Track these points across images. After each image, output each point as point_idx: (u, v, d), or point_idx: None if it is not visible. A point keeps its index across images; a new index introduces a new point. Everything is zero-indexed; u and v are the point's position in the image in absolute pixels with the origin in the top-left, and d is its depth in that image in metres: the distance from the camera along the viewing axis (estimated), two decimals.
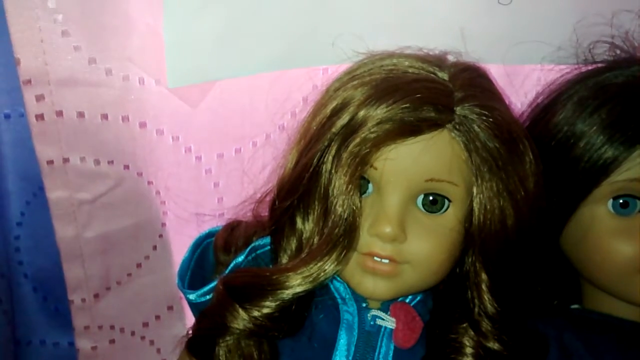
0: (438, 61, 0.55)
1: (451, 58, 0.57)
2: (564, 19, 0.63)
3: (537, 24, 0.64)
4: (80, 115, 0.60)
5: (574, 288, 0.63)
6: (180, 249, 0.68)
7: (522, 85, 0.66)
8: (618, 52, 0.62)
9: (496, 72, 0.66)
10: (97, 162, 0.63)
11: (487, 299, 0.54)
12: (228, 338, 0.55)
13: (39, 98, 0.58)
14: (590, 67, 0.62)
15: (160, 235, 0.71)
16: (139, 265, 0.71)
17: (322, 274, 0.52)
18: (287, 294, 0.53)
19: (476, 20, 0.64)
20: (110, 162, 0.64)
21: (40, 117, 0.59)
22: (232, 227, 0.62)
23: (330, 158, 0.53)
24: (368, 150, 0.51)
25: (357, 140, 0.51)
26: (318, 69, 0.66)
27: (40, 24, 0.55)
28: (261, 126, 0.67)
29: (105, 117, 0.61)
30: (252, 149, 0.68)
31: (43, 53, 0.56)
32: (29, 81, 0.57)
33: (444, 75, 0.53)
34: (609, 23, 0.62)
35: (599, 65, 0.61)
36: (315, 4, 0.62)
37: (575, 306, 0.63)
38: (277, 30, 0.63)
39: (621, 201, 0.55)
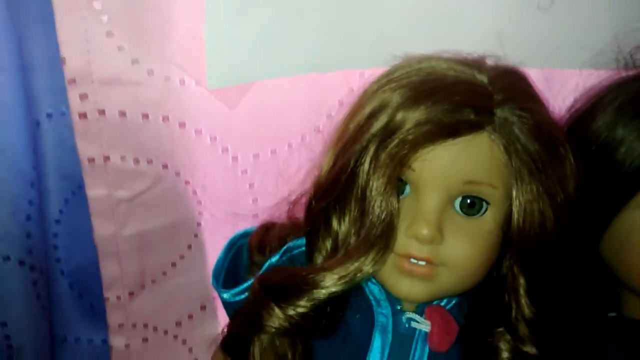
0: (477, 64, 0.55)
1: (490, 62, 0.57)
2: (604, 24, 0.63)
3: (577, 29, 0.64)
4: (122, 114, 0.61)
5: (612, 295, 0.62)
6: (214, 248, 0.68)
7: (560, 90, 0.65)
8: None
9: (535, 76, 0.65)
10: (136, 160, 0.64)
11: (524, 303, 0.54)
12: (263, 336, 0.55)
13: (83, 97, 0.59)
14: (630, 73, 0.61)
15: (196, 235, 0.72)
16: (173, 265, 0.72)
17: (359, 274, 0.52)
18: (323, 293, 0.53)
19: (515, 25, 0.64)
20: (150, 161, 0.65)
21: (83, 115, 0.60)
22: (267, 228, 0.62)
23: (368, 159, 0.53)
24: (406, 151, 0.51)
25: (396, 141, 0.51)
26: (355, 72, 0.67)
27: (86, 24, 0.57)
28: (297, 128, 0.68)
29: (146, 116, 0.62)
30: (287, 150, 0.69)
31: (88, 53, 0.57)
32: (74, 80, 0.58)
33: (483, 78, 0.53)
34: None
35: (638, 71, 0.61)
36: (353, 8, 0.63)
37: (613, 314, 0.62)
38: (315, 32, 0.63)
39: None
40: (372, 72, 0.59)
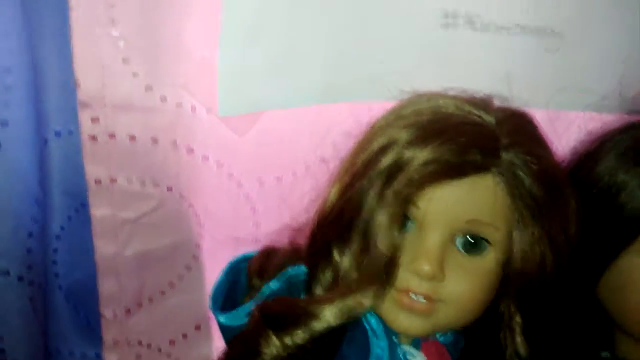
0: (484, 105, 0.56)
1: (496, 102, 0.58)
2: (610, 69, 0.64)
3: (583, 72, 0.65)
4: (132, 138, 0.62)
5: (606, 335, 0.63)
6: (213, 271, 0.68)
7: (564, 131, 0.66)
8: None
9: (540, 117, 0.66)
10: (142, 183, 0.64)
11: (519, 341, 0.54)
12: None
13: (94, 120, 0.60)
14: (633, 118, 0.62)
15: (195, 257, 0.72)
16: (172, 285, 0.72)
17: (359, 307, 0.53)
18: (321, 325, 0.53)
19: (522, 65, 0.65)
20: (155, 184, 0.65)
21: (93, 138, 0.60)
22: (268, 253, 0.62)
23: (374, 195, 0.53)
24: (413, 189, 0.52)
25: (403, 179, 0.52)
26: (362, 105, 0.67)
27: (103, 49, 0.57)
28: (302, 157, 0.68)
29: (155, 141, 0.63)
30: (292, 178, 0.69)
31: (103, 77, 0.58)
32: (86, 104, 0.59)
33: (490, 120, 0.54)
34: None
35: None
36: (363, 42, 0.64)
37: (606, 354, 0.63)
38: (325, 64, 0.64)
39: None
40: (379, 105, 0.60)
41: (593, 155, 0.61)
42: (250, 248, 0.67)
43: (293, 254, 0.62)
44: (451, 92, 0.59)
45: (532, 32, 0.63)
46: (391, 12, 0.63)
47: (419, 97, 0.58)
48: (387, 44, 0.64)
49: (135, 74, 0.59)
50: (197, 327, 0.76)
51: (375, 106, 0.64)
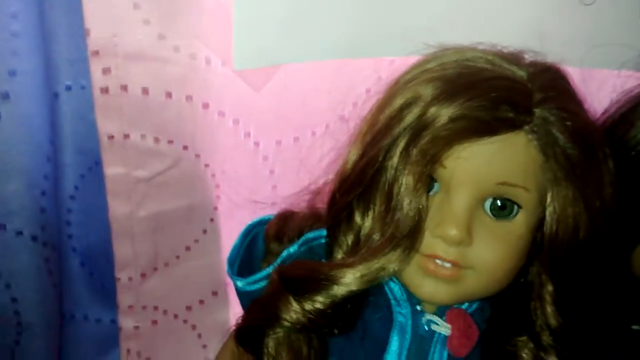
0: (515, 59, 0.53)
1: (528, 57, 0.55)
2: None
3: (620, 27, 0.61)
4: (145, 91, 0.59)
5: (637, 308, 0.60)
6: (230, 234, 0.67)
7: (597, 91, 0.63)
8: None
9: (572, 75, 0.63)
10: (156, 140, 0.63)
11: (550, 311, 0.52)
12: (278, 330, 0.53)
13: (106, 71, 0.57)
14: None
15: (212, 219, 0.70)
16: (188, 248, 0.71)
17: (382, 273, 0.51)
18: (342, 290, 0.51)
19: (555, 20, 0.61)
20: (170, 142, 0.63)
21: (105, 90, 0.58)
22: (286, 217, 0.61)
23: (398, 154, 0.51)
24: (439, 148, 0.49)
25: (429, 137, 0.49)
26: (384, 60, 0.64)
27: None
28: (322, 115, 0.66)
29: (169, 95, 0.61)
30: (311, 138, 0.67)
31: (113, 25, 0.56)
32: (97, 53, 0.57)
33: (522, 74, 0.51)
34: None
35: None
36: None
37: (637, 327, 0.60)
38: (346, 17, 0.61)
39: None
40: (403, 60, 0.57)
41: (628, 117, 0.58)
42: (268, 211, 0.66)
43: (311, 218, 0.60)
44: (480, 47, 0.56)
45: None
46: None
47: (445, 50, 0.55)
48: None
49: (146, 21, 0.57)
50: (214, 293, 0.75)
51: (397, 61, 0.61)
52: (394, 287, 0.54)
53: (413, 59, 0.56)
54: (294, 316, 0.52)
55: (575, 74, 0.63)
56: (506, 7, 0.61)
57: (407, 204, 0.50)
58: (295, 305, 0.52)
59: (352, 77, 0.64)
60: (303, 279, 0.53)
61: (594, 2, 0.60)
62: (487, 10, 0.62)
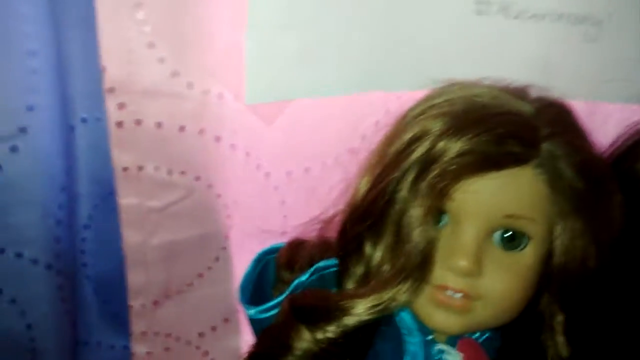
0: (521, 94, 0.54)
1: (533, 91, 0.56)
2: None
3: (623, 62, 0.63)
4: (159, 125, 0.61)
5: None
6: (241, 262, 0.68)
7: (602, 124, 0.64)
8: None
9: (577, 109, 0.65)
10: (170, 172, 0.64)
11: (561, 341, 0.53)
12: (290, 358, 0.54)
13: (121, 106, 0.59)
14: None
15: (224, 248, 0.71)
16: (200, 276, 0.72)
17: (392, 303, 0.52)
18: (353, 320, 0.52)
19: (560, 55, 0.63)
20: (183, 173, 0.64)
21: (119, 124, 0.60)
22: (296, 245, 0.62)
23: (407, 187, 0.52)
24: (448, 182, 0.50)
25: (437, 171, 0.50)
26: (393, 94, 0.66)
27: (129, 34, 0.56)
28: (332, 147, 0.67)
29: (182, 128, 0.62)
30: (321, 169, 0.68)
31: (128, 63, 0.57)
32: (113, 89, 0.58)
33: (528, 109, 0.52)
34: None
35: None
36: (395, 29, 0.62)
37: None
38: (355, 53, 0.63)
39: None
40: (411, 95, 0.59)
41: (635, 149, 0.59)
42: (279, 240, 0.67)
43: (322, 247, 0.61)
44: (486, 82, 0.57)
45: (570, 20, 0.61)
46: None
47: (452, 86, 0.56)
48: (420, 32, 0.63)
49: (161, 60, 0.58)
50: (226, 320, 0.75)
51: (406, 95, 0.62)
52: (406, 317, 0.55)
53: (421, 93, 0.57)
54: (306, 345, 0.53)
55: (581, 108, 0.64)
56: (512, 43, 0.63)
57: (416, 235, 0.51)
58: (306, 335, 0.53)
59: (361, 110, 0.65)
60: (314, 308, 0.54)
61: (598, 39, 0.61)
62: (494, 45, 0.63)
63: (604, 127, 0.64)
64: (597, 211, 0.51)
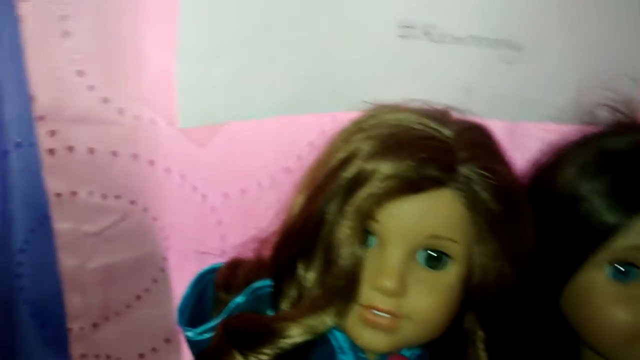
0: (443, 118, 0.56)
1: (456, 114, 0.59)
2: (568, 81, 0.65)
3: (542, 84, 0.66)
4: (91, 151, 0.61)
5: (572, 350, 0.63)
6: (180, 283, 0.68)
7: (523, 142, 0.67)
8: (620, 116, 0.63)
9: (499, 128, 0.67)
10: (104, 196, 0.64)
11: (482, 356, 0.55)
12: None
13: (52, 133, 0.59)
14: (592, 129, 0.63)
15: (162, 269, 0.72)
16: (138, 298, 0.72)
17: (322, 325, 0.53)
18: (286, 343, 0.53)
19: (480, 77, 0.66)
20: (118, 197, 0.65)
21: (51, 151, 0.60)
22: (234, 266, 0.62)
23: (335, 209, 0.54)
24: (372, 204, 0.52)
25: (362, 194, 0.52)
26: (326, 116, 0.67)
27: (57, 63, 0.57)
28: (267, 168, 0.68)
29: (115, 154, 0.63)
30: (257, 189, 0.69)
31: (58, 91, 0.57)
32: (43, 117, 0.58)
33: (448, 133, 0.54)
34: (611, 87, 0.63)
35: (601, 129, 0.62)
36: (323, 53, 0.64)
37: None
38: (286, 76, 0.65)
39: (621, 268, 0.56)
40: (344, 116, 0.60)
41: (553, 167, 0.61)
42: (217, 260, 0.68)
43: (259, 267, 0.61)
44: (414, 103, 0.59)
45: (490, 43, 0.64)
46: (350, 24, 0.63)
47: (380, 109, 0.58)
48: (348, 55, 0.65)
49: (91, 87, 0.59)
50: (167, 340, 0.76)
51: (339, 116, 0.64)
52: (338, 336, 0.56)
53: (353, 114, 0.59)
54: None
55: (502, 127, 0.67)
56: (436, 66, 0.65)
57: (343, 257, 0.52)
58: (239, 359, 0.54)
59: (296, 131, 0.67)
60: (248, 332, 0.54)
61: (516, 62, 0.64)
62: (419, 68, 0.66)
63: (525, 145, 0.67)
64: (512, 232, 0.53)
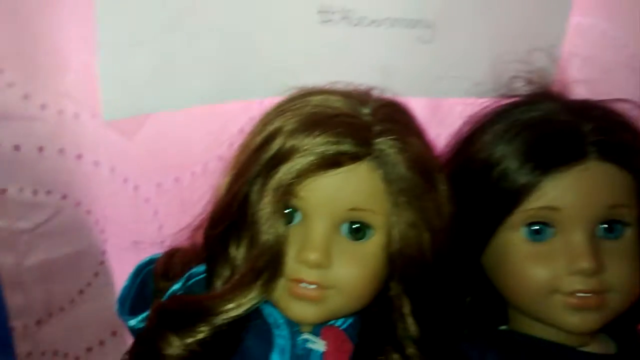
0: (362, 97, 0.59)
1: (376, 93, 0.61)
2: (482, 56, 0.68)
3: (457, 61, 0.68)
4: (16, 148, 0.62)
5: (501, 310, 0.66)
6: (122, 276, 0.68)
7: (446, 117, 0.70)
8: (533, 87, 0.66)
9: (422, 105, 0.70)
10: (35, 192, 0.64)
11: (410, 322, 0.57)
12: None
13: None
14: (508, 101, 0.65)
15: (102, 263, 0.72)
16: (81, 292, 0.72)
17: (249, 300, 0.55)
18: (219, 319, 0.55)
19: (400, 57, 0.68)
20: (49, 193, 0.65)
21: None
22: (171, 254, 0.63)
23: (258, 187, 0.55)
24: (292, 181, 0.54)
25: (282, 171, 0.54)
26: (254, 102, 0.69)
27: None
28: (199, 156, 0.69)
29: (41, 149, 0.63)
30: (190, 178, 0.70)
31: None
32: None
33: (365, 110, 0.56)
34: (524, 60, 0.66)
35: (516, 99, 0.65)
36: (245, 41, 0.66)
37: (504, 327, 0.66)
38: (212, 64, 0.66)
39: (535, 228, 0.58)
40: (271, 100, 0.62)
41: (472, 137, 0.64)
42: (156, 250, 0.69)
43: (196, 253, 0.63)
44: (337, 86, 0.61)
45: (406, 24, 0.66)
46: (272, 11, 0.65)
47: (303, 91, 0.60)
48: (269, 42, 0.66)
49: (10, 84, 0.59)
50: (114, 333, 0.76)
51: (267, 102, 0.65)
52: (273, 312, 0.58)
53: (280, 99, 0.60)
54: (175, 350, 0.55)
55: (425, 104, 0.70)
56: (356, 48, 0.67)
57: (265, 233, 0.54)
58: (174, 340, 0.55)
59: (224, 119, 0.68)
60: (180, 312, 0.56)
61: (432, 40, 0.66)
62: (340, 51, 0.67)
63: (447, 119, 0.69)
64: (428, 201, 0.55)
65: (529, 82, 0.65)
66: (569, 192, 0.57)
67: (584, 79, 0.66)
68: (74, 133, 0.64)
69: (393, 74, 0.64)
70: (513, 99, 0.65)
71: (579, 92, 0.65)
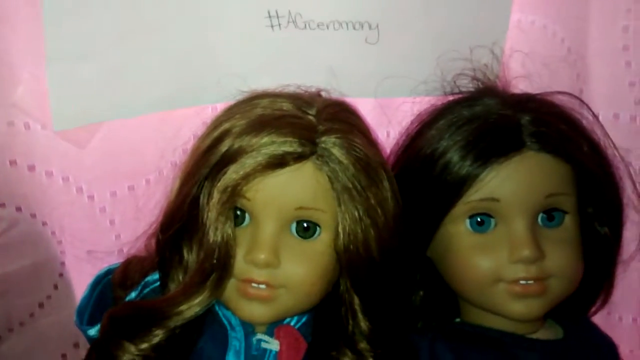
0: (309, 98, 0.60)
1: (324, 95, 0.62)
2: (427, 55, 0.69)
3: (403, 60, 0.70)
4: None
5: (452, 305, 0.67)
6: (82, 287, 0.69)
7: (394, 115, 0.71)
8: (477, 83, 0.67)
9: (371, 105, 0.71)
10: None
11: (360, 318, 0.58)
12: None
13: None
14: (454, 98, 0.67)
15: (61, 274, 0.72)
16: (41, 305, 0.72)
17: (200, 302, 0.55)
18: (171, 322, 0.55)
19: (347, 59, 0.69)
20: (2, 205, 0.65)
21: None
22: (128, 263, 0.64)
23: (206, 190, 0.56)
24: (238, 182, 0.55)
25: (228, 172, 0.55)
26: (206, 107, 0.70)
27: None
28: (153, 163, 0.69)
29: None
30: (145, 185, 0.70)
31: None
32: None
33: (311, 111, 0.58)
34: (468, 58, 0.67)
35: (461, 95, 0.67)
36: (194, 49, 0.66)
37: (459, 320, 0.67)
38: (163, 72, 0.66)
39: (477, 219, 0.60)
40: (223, 106, 0.63)
41: (418, 133, 0.65)
42: (114, 260, 0.69)
43: (152, 260, 0.63)
44: (288, 89, 0.62)
45: (351, 26, 0.67)
46: (221, 17, 0.66)
47: (252, 94, 0.61)
48: (223, 47, 0.67)
49: None
50: (76, 345, 0.76)
51: (219, 107, 0.66)
52: (227, 313, 0.59)
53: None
54: (128, 356, 0.55)
55: (373, 104, 0.71)
56: (304, 52, 0.68)
57: (213, 235, 0.55)
58: (127, 346, 0.55)
59: (177, 125, 0.68)
60: (132, 318, 0.56)
61: (377, 41, 0.68)
62: (289, 54, 0.68)
63: (396, 118, 0.71)
64: (371, 197, 0.56)
65: (474, 79, 0.67)
66: (508, 183, 0.58)
67: (526, 74, 0.68)
68: (25, 144, 0.64)
69: (341, 76, 0.65)
70: (458, 96, 0.67)
71: (522, 86, 0.67)
